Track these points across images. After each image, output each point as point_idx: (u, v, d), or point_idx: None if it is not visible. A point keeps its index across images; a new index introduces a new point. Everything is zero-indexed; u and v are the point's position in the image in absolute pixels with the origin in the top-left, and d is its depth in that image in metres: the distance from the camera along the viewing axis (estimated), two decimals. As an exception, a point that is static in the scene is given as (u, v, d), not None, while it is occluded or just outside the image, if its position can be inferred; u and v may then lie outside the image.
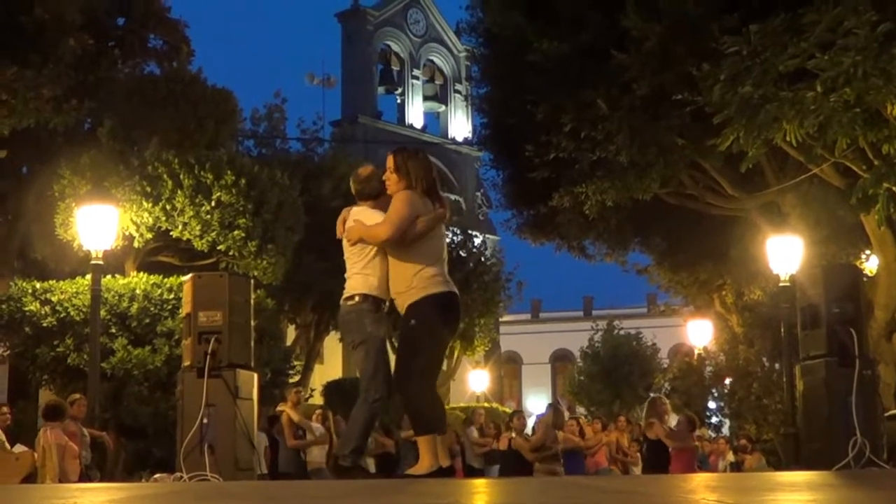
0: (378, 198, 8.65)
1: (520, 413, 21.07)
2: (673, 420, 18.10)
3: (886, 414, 14.48)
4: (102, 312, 16.91)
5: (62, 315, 18.09)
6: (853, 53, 13.28)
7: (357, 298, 8.62)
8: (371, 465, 19.71)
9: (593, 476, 17.75)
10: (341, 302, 8.80)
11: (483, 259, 36.61)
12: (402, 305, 8.45)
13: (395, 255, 8.42)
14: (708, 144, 16.38)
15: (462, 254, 35.43)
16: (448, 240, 36.03)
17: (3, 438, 14.44)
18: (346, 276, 8.80)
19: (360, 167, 9.23)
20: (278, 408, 18.75)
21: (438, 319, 8.39)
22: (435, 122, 55.06)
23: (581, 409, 39.71)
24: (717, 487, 6.82)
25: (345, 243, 8.78)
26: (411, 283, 8.33)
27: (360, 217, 8.65)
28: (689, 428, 17.66)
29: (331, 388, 30.53)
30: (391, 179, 8.49)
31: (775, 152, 17.03)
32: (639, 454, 20.94)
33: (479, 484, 7.74)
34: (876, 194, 15.15)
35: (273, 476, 17.48)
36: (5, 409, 15.48)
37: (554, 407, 20.28)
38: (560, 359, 58.11)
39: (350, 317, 8.69)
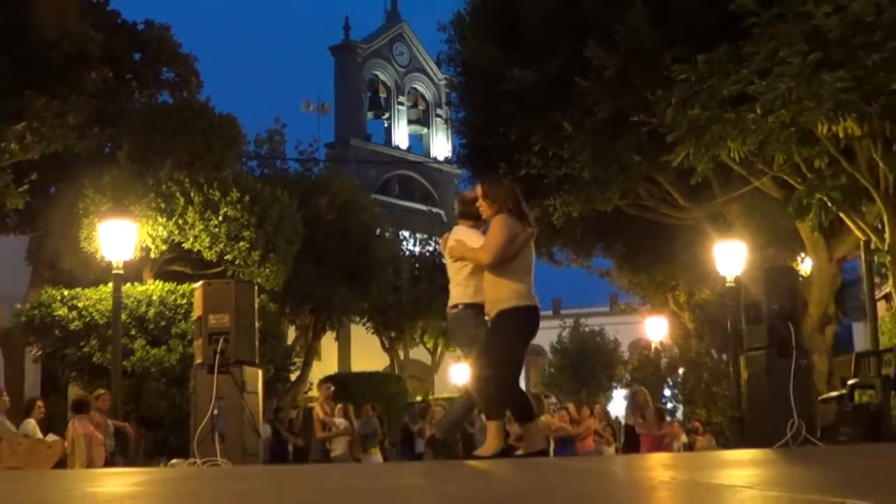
0: (479, 219, 8.82)
1: None
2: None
3: (820, 398, 14.57)
4: (123, 316, 16.90)
5: (87, 319, 18.08)
6: (788, 80, 13.35)
7: (460, 307, 8.78)
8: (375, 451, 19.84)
9: (571, 457, 17.83)
10: (448, 310, 8.97)
11: (463, 265, 36.63)
12: (492, 312, 8.60)
13: (490, 270, 8.55)
14: (662, 161, 16.44)
15: (443, 261, 35.47)
16: (431, 248, 35.77)
17: (38, 429, 14.46)
18: (449, 287, 8.95)
19: (466, 191, 9.38)
20: (311, 403, 18.88)
21: (520, 328, 8.56)
22: (418, 143, 55.12)
23: (552, 399, 39.77)
24: (672, 465, 6.87)
25: (447, 259, 8.97)
26: (503, 293, 8.48)
27: (461, 236, 8.84)
28: (659, 419, 17.89)
29: (326, 382, 30.49)
30: (483, 206, 8.69)
31: (721, 167, 17.11)
32: (612, 436, 21.06)
33: (464, 464, 7.78)
34: (809, 204, 15.26)
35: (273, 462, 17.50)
36: (40, 403, 15.53)
37: (534, 395, 20.27)
38: (532, 353, 57.79)
39: (456, 323, 8.89)
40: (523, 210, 8.77)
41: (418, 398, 33.14)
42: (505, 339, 8.46)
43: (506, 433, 8.76)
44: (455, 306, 8.81)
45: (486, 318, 8.69)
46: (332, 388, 20.27)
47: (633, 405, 18.24)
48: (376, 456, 19.72)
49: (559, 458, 16.36)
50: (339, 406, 19.53)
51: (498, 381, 8.46)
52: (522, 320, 8.53)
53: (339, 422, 18.73)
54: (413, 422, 21.80)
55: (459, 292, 8.78)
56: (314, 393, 27.81)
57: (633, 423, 17.88)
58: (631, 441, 18.13)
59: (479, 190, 8.78)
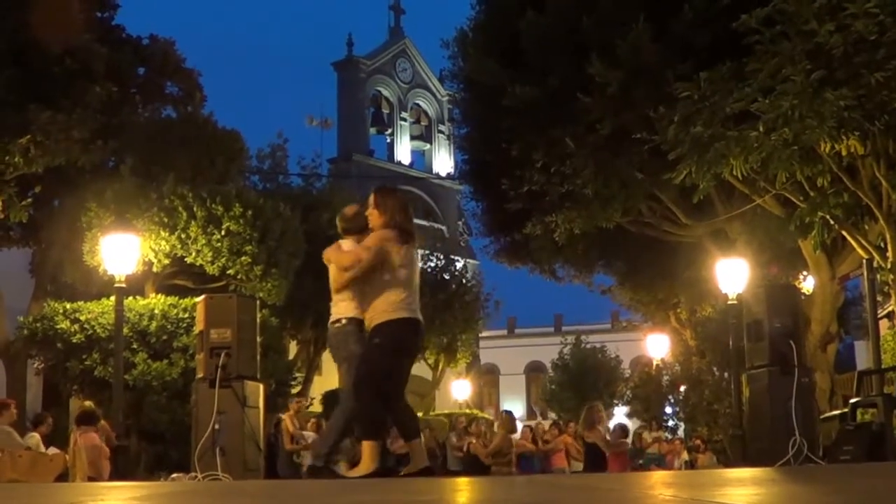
0: (361, 233, 8.68)
1: (477, 420, 21.10)
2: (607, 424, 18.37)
3: (822, 416, 14.54)
4: (125, 330, 16.89)
5: (89, 332, 18.08)
6: (791, 98, 13.36)
7: (343, 321, 8.63)
8: (344, 468, 19.68)
9: (557, 474, 17.78)
10: (329, 324, 8.80)
11: (464, 281, 36.74)
12: (369, 326, 8.44)
13: (368, 284, 8.41)
14: (664, 178, 16.44)
15: (445, 277, 35.56)
16: (433, 264, 35.58)
17: (41, 443, 14.46)
18: (331, 302, 8.79)
19: (347, 207, 9.29)
20: (280, 414, 18.80)
21: (398, 341, 8.36)
22: (421, 159, 55.24)
23: (552, 415, 39.81)
24: (673, 484, 6.85)
25: (331, 272, 8.74)
26: (378, 307, 8.33)
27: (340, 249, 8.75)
28: (622, 435, 17.91)
29: (329, 397, 30.44)
30: (373, 214, 8.52)
31: (723, 185, 17.12)
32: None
33: (459, 482, 7.77)
34: (812, 222, 15.27)
35: (269, 477, 17.46)
36: (50, 418, 15.55)
37: (507, 413, 20.28)
38: (533, 370, 57.99)
39: (338, 337, 8.70)
40: (410, 226, 8.59)
41: (420, 414, 33.07)
42: (375, 353, 8.28)
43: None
44: (338, 321, 8.68)
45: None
46: (306, 404, 20.20)
47: (588, 419, 18.11)
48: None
49: (553, 476, 16.33)
50: (312, 420, 19.47)
51: (364, 398, 8.29)
52: (396, 332, 8.31)
53: (309, 435, 18.60)
54: (459, 437, 21.38)
55: (343, 307, 8.65)
56: (315, 408, 27.79)
57: (593, 439, 17.72)
58: (593, 457, 17.84)
59: (371, 199, 8.61)
